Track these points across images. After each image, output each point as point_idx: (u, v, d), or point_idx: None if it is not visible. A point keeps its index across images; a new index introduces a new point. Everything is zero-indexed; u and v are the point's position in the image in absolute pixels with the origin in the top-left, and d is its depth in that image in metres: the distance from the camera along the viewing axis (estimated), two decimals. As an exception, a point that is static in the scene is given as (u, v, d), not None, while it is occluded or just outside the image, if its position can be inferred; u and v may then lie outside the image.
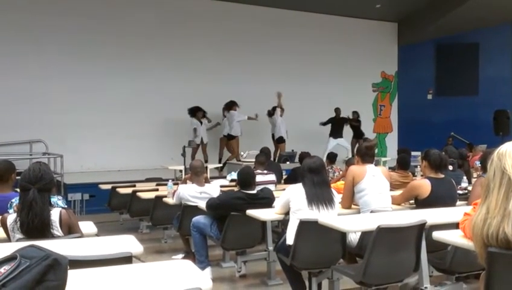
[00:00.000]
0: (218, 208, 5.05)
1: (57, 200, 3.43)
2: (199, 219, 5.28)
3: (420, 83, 16.06)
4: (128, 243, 2.99)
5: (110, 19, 12.23)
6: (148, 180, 8.91)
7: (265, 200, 5.01)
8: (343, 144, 13.68)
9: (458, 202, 4.89)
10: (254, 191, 5.05)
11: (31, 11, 11.36)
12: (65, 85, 11.59)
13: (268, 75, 13.69)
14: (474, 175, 7.11)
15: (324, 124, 13.65)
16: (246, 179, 5.09)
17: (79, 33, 11.76)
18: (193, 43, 12.98)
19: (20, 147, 11.11)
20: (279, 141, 12.85)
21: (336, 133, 13.65)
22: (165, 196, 6.31)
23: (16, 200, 3.39)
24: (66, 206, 3.45)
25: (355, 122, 13.96)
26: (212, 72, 12.97)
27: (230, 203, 4.96)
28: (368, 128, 15.05)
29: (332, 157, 9.34)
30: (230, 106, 12.36)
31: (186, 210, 5.70)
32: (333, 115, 13.75)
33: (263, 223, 4.94)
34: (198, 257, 5.24)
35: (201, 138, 12.03)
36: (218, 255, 5.85)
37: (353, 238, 4.38)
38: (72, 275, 1.98)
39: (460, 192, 5.36)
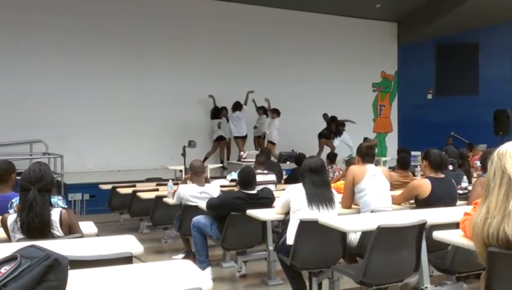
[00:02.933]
0: (219, 208, 5.04)
1: (57, 200, 3.43)
2: (199, 218, 5.28)
3: (420, 82, 16.04)
4: (128, 243, 2.99)
5: (111, 17, 12.20)
6: (148, 180, 8.90)
7: (266, 200, 5.01)
8: (347, 142, 13.22)
9: (458, 202, 4.90)
10: (254, 191, 5.05)
11: (30, 10, 11.32)
12: (65, 85, 11.56)
13: (268, 75, 13.68)
14: (475, 175, 7.12)
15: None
16: (246, 179, 5.09)
17: (79, 32, 11.73)
18: (194, 43, 12.97)
19: (20, 147, 11.08)
20: (272, 142, 12.78)
21: (337, 132, 13.42)
22: (165, 196, 6.31)
23: (16, 201, 3.39)
24: (66, 206, 3.45)
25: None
26: (213, 73, 12.96)
27: (231, 203, 4.95)
28: (368, 128, 15.03)
29: (332, 157, 9.35)
30: (239, 106, 12.46)
31: (187, 210, 5.70)
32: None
33: (263, 223, 4.95)
34: (199, 257, 5.24)
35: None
36: (218, 255, 5.85)
37: (353, 238, 4.38)
38: (73, 275, 1.98)
39: (460, 192, 5.36)
